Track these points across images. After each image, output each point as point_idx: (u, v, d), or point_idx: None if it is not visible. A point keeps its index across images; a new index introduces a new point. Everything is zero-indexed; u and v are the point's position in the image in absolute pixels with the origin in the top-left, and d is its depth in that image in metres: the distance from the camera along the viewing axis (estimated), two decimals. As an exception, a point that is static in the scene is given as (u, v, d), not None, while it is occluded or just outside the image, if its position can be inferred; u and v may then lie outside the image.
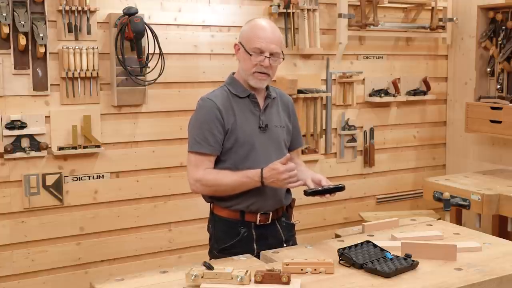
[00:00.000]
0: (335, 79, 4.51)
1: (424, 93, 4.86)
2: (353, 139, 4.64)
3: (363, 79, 4.65)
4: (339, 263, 2.18)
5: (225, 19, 4.06)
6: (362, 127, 4.69)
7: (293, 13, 4.22)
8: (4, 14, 3.30)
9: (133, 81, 3.67)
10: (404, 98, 4.76)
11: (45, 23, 3.43)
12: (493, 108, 4.32)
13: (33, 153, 3.49)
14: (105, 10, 3.66)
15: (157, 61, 3.72)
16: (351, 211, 4.67)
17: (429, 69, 4.96)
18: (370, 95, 4.67)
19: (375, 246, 2.29)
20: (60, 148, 3.57)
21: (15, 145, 3.47)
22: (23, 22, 3.35)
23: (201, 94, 2.59)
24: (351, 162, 4.67)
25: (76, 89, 3.61)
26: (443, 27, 4.85)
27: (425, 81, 4.87)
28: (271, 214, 2.51)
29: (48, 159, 3.59)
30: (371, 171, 4.76)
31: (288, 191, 2.59)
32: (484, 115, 4.36)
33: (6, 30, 3.34)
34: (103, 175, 3.76)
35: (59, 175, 3.62)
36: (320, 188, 2.38)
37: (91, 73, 3.60)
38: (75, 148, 3.59)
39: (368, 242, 2.33)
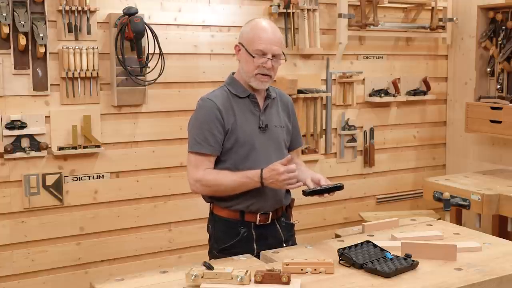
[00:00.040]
0: (335, 79, 4.51)
1: (424, 93, 4.86)
2: (353, 139, 4.64)
3: (363, 79, 4.65)
4: (339, 263, 2.18)
5: (225, 19, 4.06)
6: (362, 127, 4.69)
7: (293, 13, 4.22)
8: (4, 14, 3.30)
9: (133, 81, 3.67)
10: (404, 98, 4.76)
11: (45, 23, 3.43)
12: (493, 108, 4.32)
13: (33, 153, 3.49)
14: (105, 10, 3.66)
15: (157, 61, 3.72)
16: (351, 211, 4.67)
17: (429, 69, 4.96)
18: (370, 95, 4.67)
19: (375, 246, 2.29)
20: (60, 148, 3.57)
21: (15, 145, 3.47)
22: (23, 22, 3.35)
23: (201, 94, 2.59)
24: (351, 162, 4.67)
25: (76, 89, 3.61)
26: (443, 27, 4.85)
27: (425, 81, 4.87)
28: (271, 214, 2.51)
29: (48, 159, 3.59)
30: (371, 171, 4.76)
31: (287, 191, 2.59)
32: (484, 115, 4.36)
33: (6, 30, 3.34)
34: (103, 175, 3.76)
35: (59, 175, 3.62)
36: (318, 188, 2.38)
37: (91, 73, 3.60)
38: (75, 148, 3.59)
39: (368, 242, 2.33)
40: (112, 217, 3.82)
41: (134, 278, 2.09)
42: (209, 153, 2.43)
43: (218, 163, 2.47)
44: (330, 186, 2.38)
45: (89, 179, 3.72)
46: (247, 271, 1.98)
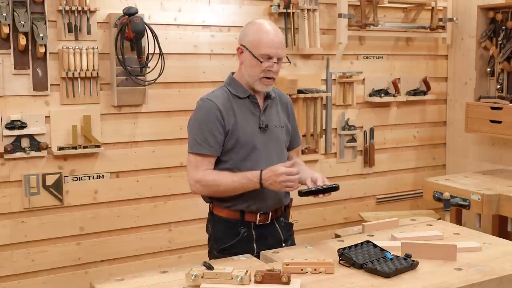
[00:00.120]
0: (335, 79, 4.51)
1: (424, 93, 4.86)
2: (353, 139, 4.64)
3: (363, 79, 4.65)
4: (339, 263, 2.18)
5: (225, 19, 4.06)
6: (362, 127, 4.69)
7: (293, 13, 4.22)
8: (4, 14, 3.30)
9: (133, 81, 3.67)
10: (404, 98, 4.76)
11: (45, 23, 3.43)
12: (493, 108, 4.32)
13: (33, 153, 3.49)
14: (105, 10, 3.66)
15: (157, 61, 3.72)
16: (351, 211, 4.67)
17: (429, 69, 4.96)
18: (370, 95, 4.67)
19: (375, 246, 2.29)
20: (60, 148, 3.57)
21: (15, 145, 3.47)
22: (23, 22, 3.35)
23: (201, 94, 2.59)
24: (351, 162, 4.67)
25: (76, 89, 3.61)
26: (443, 27, 4.85)
27: (425, 81, 4.87)
28: (270, 214, 2.51)
29: (48, 159, 3.59)
30: (371, 171, 4.76)
31: (287, 191, 2.59)
32: (484, 115, 4.36)
33: (6, 30, 3.34)
34: (103, 175, 3.76)
35: (59, 175, 3.62)
36: (313, 189, 2.37)
37: (91, 73, 3.60)
38: (75, 148, 3.59)
39: (368, 242, 2.33)
40: (112, 217, 3.82)
41: (134, 278, 2.09)
42: (209, 154, 2.43)
43: (219, 164, 2.47)
44: (325, 187, 2.37)
45: (89, 179, 3.72)
46: (247, 271, 1.98)
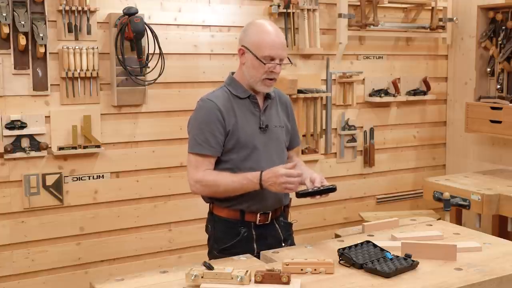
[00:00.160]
0: (335, 79, 4.52)
1: (424, 93, 4.86)
2: (353, 139, 4.64)
3: (363, 79, 4.65)
4: (339, 263, 2.18)
5: (225, 19, 4.06)
6: (362, 127, 4.69)
7: (293, 13, 4.22)
8: (4, 14, 3.30)
9: (133, 81, 3.67)
10: (404, 98, 4.76)
11: (45, 23, 3.43)
12: (493, 108, 4.32)
13: (33, 153, 3.49)
14: (105, 10, 3.66)
15: (157, 61, 3.72)
16: (351, 211, 4.67)
17: (429, 69, 4.96)
18: (370, 95, 4.67)
19: (375, 246, 2.29)
20: (60, 148, 3.57)
21: (15, 145, 3.47)
22: (23, 22, 3.35)
23: (201, 94, 2.59)
24: (351, 162, 4.67)
25: (76, 89, 3.61)
26: (443, 27, 4.85)
27: (425, 81, 4.87)
28: (270, 214, 2.51)
29: (48, 159, 3.59)
30: (371, 171, 4.76)
31: (287, 190, 2.59)
32: (484, 115, 4.36)
33: (6, 30, 3.34)
34: (103, 175, 3.76)
35: (59, 175, 3.62)
36: (310, 190, 2.37)
37: (91, 73, 3.60)
38: (75, 148, 3.59)
39: (368, 242, 2.33)
40: (112, 217, 3.82)
41: (134, 278, 2.09)
42: (210, 154, 2.43)
43: (219, 164, 2.46)
44: (322, 188, 2.36)
45: (89, 179, 3.72)
46: (247, 271, 1.98)
